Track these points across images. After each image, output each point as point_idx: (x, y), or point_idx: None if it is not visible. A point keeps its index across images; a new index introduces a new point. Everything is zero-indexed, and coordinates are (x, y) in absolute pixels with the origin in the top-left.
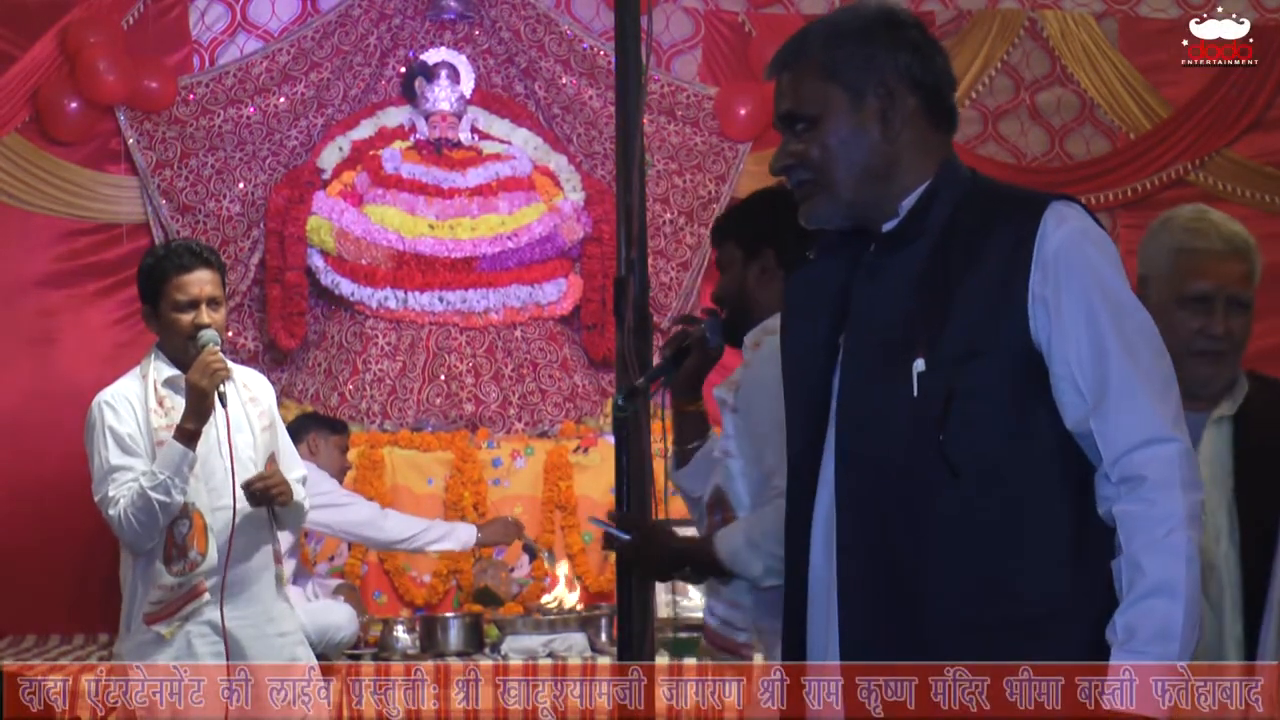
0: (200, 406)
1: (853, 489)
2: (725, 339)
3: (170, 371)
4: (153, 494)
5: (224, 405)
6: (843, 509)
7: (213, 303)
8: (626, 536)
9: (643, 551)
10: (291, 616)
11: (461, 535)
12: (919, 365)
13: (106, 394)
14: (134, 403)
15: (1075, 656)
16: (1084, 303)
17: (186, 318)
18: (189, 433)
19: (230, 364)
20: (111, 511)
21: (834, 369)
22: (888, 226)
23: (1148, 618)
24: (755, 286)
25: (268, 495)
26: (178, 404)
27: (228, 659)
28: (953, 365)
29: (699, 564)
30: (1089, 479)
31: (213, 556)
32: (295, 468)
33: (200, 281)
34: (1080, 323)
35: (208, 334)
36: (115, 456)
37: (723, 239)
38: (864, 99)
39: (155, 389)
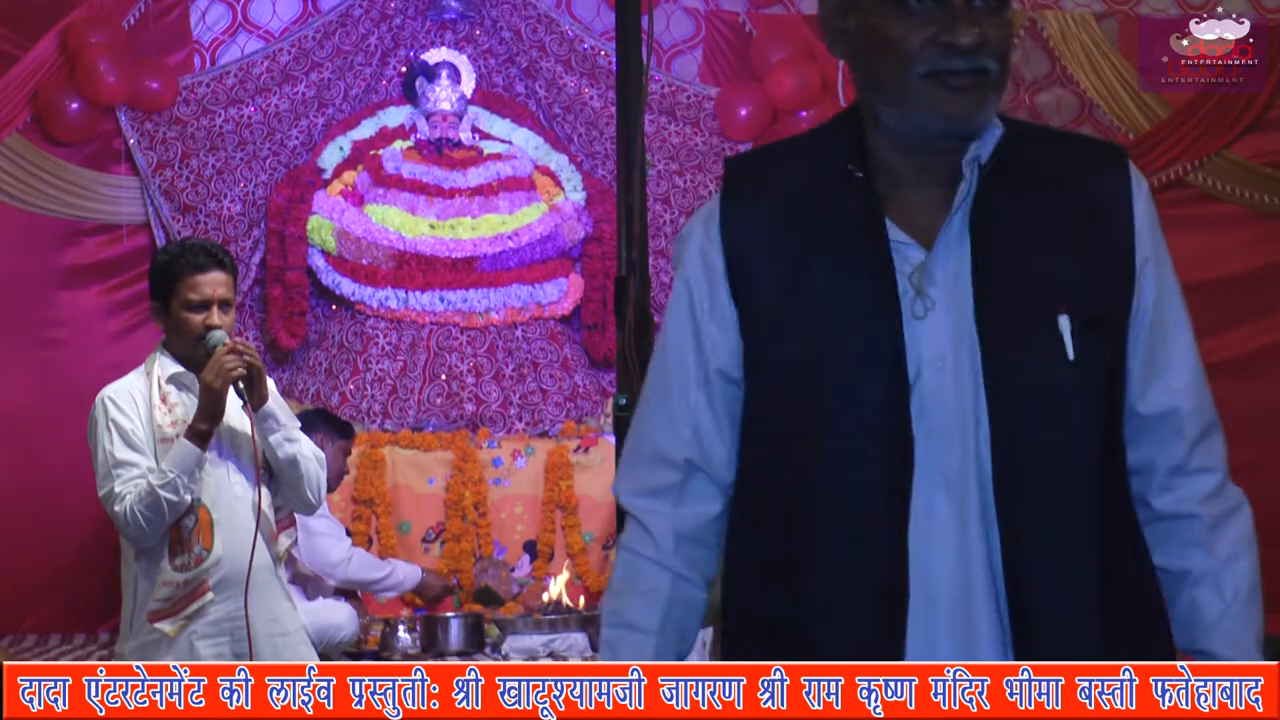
0: (214, 408)
1: (1013, 469)
2: None
3: (175, 368)
4: (162, 492)
5: (241, 398)
6: (1007, 497)
7: (224, 305)
8: None
9: None
10: (294, 616)
11: (408, 579)
12: (1064, 323)
13: (110, 389)
14: (137, 398)
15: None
16: (1168, 272)
17: (198, 318)
18: (201, 433)
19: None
20: (117, 508)
21: (898, 318)
22: (986, 151)
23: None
24: None
25: (226, 371)
26: (182, 401)
27: (251, 657)
28: (1097, 326)
29: None
30: None
31: (218, 551)
32: None
33: (214, 283)
34: (1171, 294)
35: (217, 335)
36: (120, 451)
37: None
38: None
39: (159, 385)
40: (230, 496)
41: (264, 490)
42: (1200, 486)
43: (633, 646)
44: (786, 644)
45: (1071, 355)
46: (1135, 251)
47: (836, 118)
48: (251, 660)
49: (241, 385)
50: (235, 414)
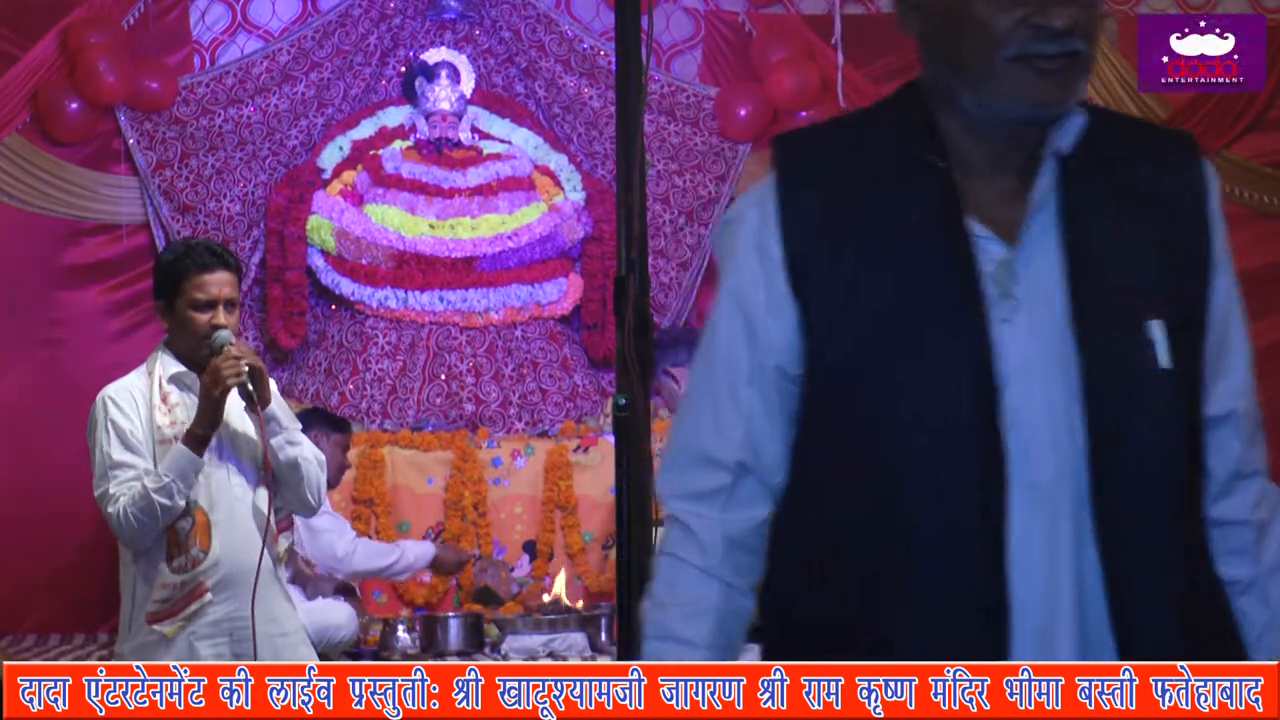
0: (213, 413)
1: (1113, 482)
2: None
3: (177, 368)
4: (156, 496)
5: (249, 400)
6: (1109, 509)
7: (229, 304)
8: None
9: None
10: (293, 616)
11: (420, 559)
12: (1157, 329)
13: (110, 389)
14: (138, 399)
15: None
16: (1231, 266)
17: (203, 317)
18: (199, 438)
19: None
20: (110, 509)
21: (985, 321)
22: (1068, 141)
23: None
24: None
25: (221, 374)
26: (183, 401)
27: (255, 657)
28: (1184, 330)
29: None
30: None
31: (215, 553)
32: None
33: (220, 283)
34: (1234, 290)
35: (223, 335)
36: (118, 452)
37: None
38: None
39: (160, 385)
40: (230, 498)
41: (264, 491)
42: (1251, 492)
43: (681, 661)
44: (856, 653)
45: (1167, 363)
46: (1212, 249)
47: (898, 96)
48: (251, 660)
49: (251, 387)
50: (236, 415)
